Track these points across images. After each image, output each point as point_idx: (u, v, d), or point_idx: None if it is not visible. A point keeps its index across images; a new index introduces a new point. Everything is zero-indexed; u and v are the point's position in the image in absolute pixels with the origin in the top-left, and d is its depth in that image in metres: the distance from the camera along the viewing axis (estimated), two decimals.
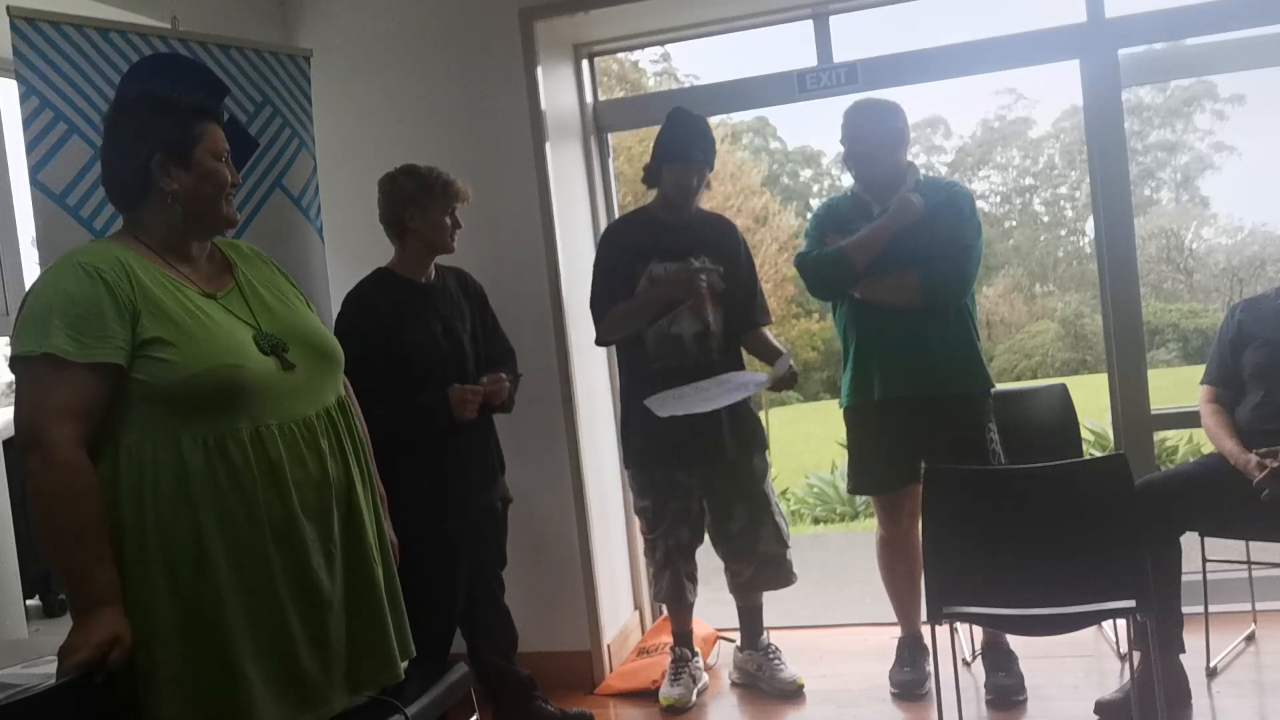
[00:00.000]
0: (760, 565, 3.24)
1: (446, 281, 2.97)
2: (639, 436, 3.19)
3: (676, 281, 3.10)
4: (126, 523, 1.66)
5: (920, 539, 3.00)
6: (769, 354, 3.24)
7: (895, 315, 2.99)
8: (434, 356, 2.82)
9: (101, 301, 1.65)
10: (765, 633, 3.40)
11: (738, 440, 3.16)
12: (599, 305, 3.22)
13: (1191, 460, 3.43)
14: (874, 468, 3.12)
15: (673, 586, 3.26)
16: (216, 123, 1.84)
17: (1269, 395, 2.84)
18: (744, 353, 3.31)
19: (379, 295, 2.84)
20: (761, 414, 3.33)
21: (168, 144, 1.76)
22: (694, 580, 3.31)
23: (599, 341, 3.28)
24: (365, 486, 1.92)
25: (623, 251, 3.21)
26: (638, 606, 3.92)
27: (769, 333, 3.32)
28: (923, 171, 3.12)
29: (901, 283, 2.96)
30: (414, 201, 2.84)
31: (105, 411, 1.66)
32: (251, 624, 1.70)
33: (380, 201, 2.90)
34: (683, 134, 3.14)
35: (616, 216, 3.83)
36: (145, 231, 1.79)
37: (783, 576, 3.27)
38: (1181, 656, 2.80)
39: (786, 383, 3.09)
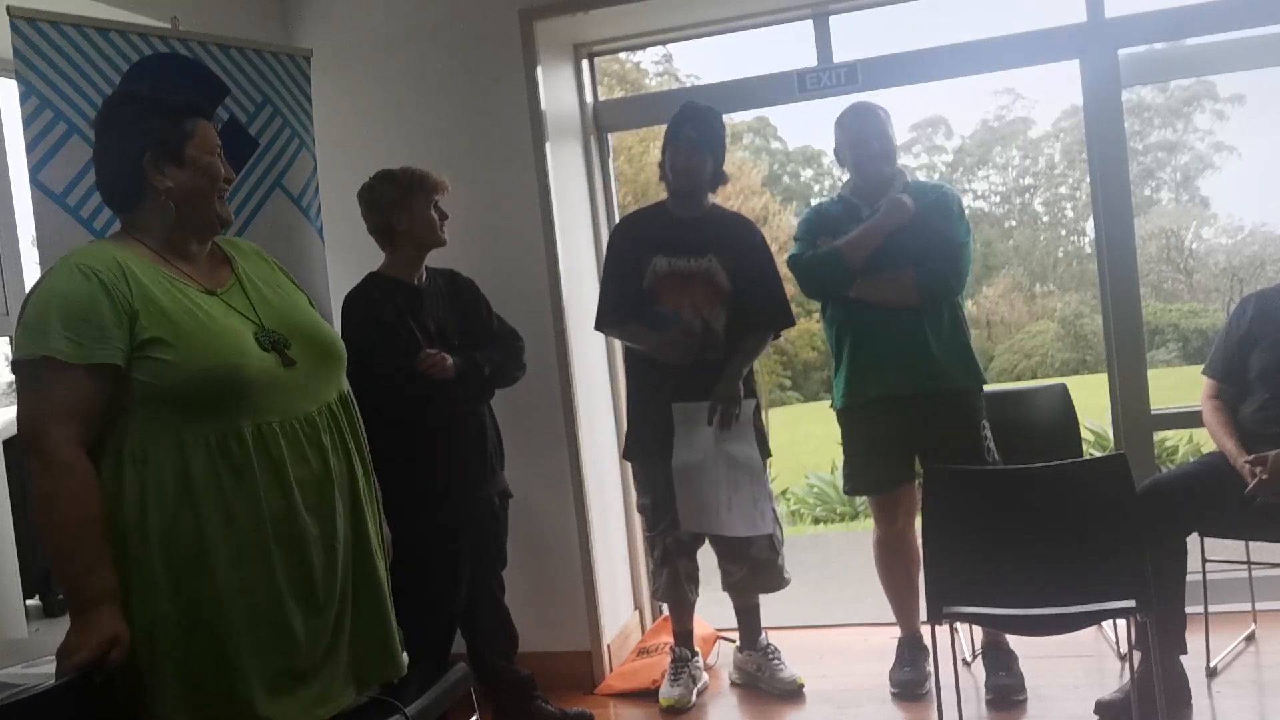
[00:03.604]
0: (751, 569, 3.24)
1: (437, 283, 2.98)
2: (646, 428, 3.20)
3: (672, 345, 3.10)
4: (129, 523, 1.66)
5: (916, 538, 3.01)
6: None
7: (890, 314, 3.00)
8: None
9: (98, 303, 1.65)
10: (765, 633, 3.40)
11: None
12: (605, 296, 3.27)
13: (1193, 460, 3.43)
14: (871, 468, 3.13)
15: (670, 584, 3.26)
16: (207, 120, 1.84)
17: (1274, 398, 2.83)
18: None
19: (376, 298, 2.85)
20: (761, 415, 3.31)
21: (158, 142, 1.76)
22: (694, 580, 3.30)
23: (597, 327, 3.31)
24: (368, 482, 1.92)
25: (630, 244, 3.23)
26: (638, 606, 3.91)
27: (754, 353, 3.22)
28: (914, 174, 3.13)
29: (897, 281, 2.97)
30: (398, 205, 2.86)
31: (106, 412, 1.66)
32: (253, 622, 1.70)
33: (364, 212, 2.93)
34: (680, 116, 3.16)
35: (617, 217, 3.84)
36: (144, 232, 1.79)
37: (773, 582, 3.27)
38: (1182, 657, 2.80)
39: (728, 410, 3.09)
